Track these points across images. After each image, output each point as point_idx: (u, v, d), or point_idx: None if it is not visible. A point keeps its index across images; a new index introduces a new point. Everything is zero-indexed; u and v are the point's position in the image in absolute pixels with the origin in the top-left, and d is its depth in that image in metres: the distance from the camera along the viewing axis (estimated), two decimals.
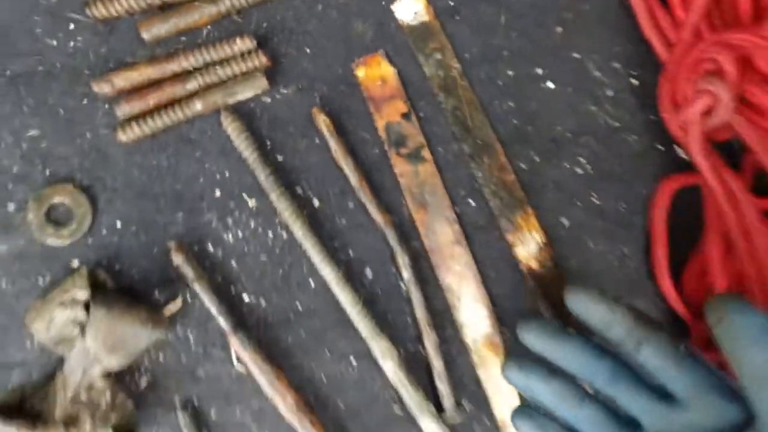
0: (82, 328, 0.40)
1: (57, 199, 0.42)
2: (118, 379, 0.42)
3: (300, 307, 0.44)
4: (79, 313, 0.40)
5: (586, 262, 0.48)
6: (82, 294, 0.40)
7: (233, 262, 0.44)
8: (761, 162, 0.44)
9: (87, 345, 0.38)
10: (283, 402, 0.43)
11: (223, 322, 0.42)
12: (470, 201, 0.48)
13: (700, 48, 0.44)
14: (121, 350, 0.40)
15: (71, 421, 0.39)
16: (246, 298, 0.44)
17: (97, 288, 0.40)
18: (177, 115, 0.43)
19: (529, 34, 0.49)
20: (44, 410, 0.39)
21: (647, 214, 0.49)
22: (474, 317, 0.47)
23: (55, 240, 0.42)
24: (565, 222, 0.49)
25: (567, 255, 0.48)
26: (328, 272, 0.44)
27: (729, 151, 0.47)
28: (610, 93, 0.49)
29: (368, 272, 0.45)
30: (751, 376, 0.33)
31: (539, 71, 0.49)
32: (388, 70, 0.47)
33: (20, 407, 0.39)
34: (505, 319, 0.47)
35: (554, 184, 0.48)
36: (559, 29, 0.49)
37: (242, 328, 0.43)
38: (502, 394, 0.46)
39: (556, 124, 0.49)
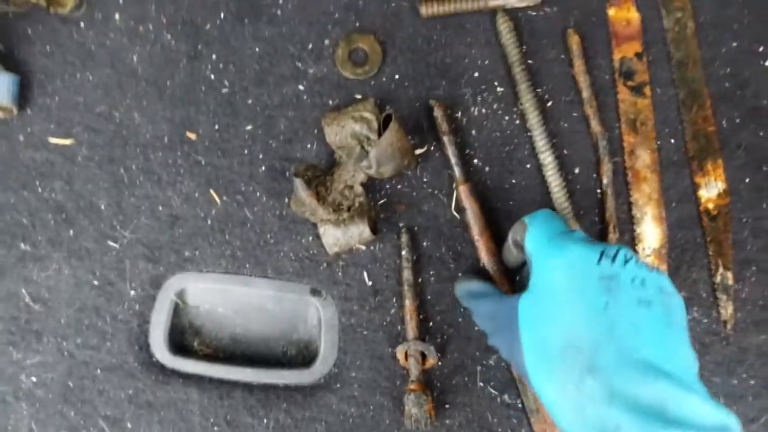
0: (361, 143, 0.52)
1: (360, 44, 0.54)
2: (367, 196, 0.53)
3: (514, 181, 0.54)
4: (364, 129, 0.51)
5: (755, 218, 0.55)
6: (370, 115, 0.51)
7: (473, 131, 0.55)
8: None
9: (368, 152, 0.50)
10: (484, 247, 0.52)
11: (458, 171, 0.53)
12: (672, 140, 0.56)
13: None
14: (386, 166, 0.51)
15: (336, 207, 0.51)
16: (475, 161, 0.54)
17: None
18: (467, 5, 0.54)
19: (761, 16, 0.56)
20: (321, 193, 0.51)
21: None
22: (650, 232, 0.54)
23: (350, 74, 0.54)
24: (747, 180, 0.56)
25: (741, 208, 0.55)
26: (546, 157, 0.53)
27: None
28: None
29: (576, 170, 0.55)
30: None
31: (761, 49, 0.56)
32: (634, 15, 0.56)
33: (306, 180, 0.50)
34: (673, 241, 0.54)
35: (747, 146, 0.56)
36: None
37: (470, 180, 0.53)
38: None
39: (762, 97, 0.56)
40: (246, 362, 0.55)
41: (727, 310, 0.55)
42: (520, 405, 0.53)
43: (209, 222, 0.54)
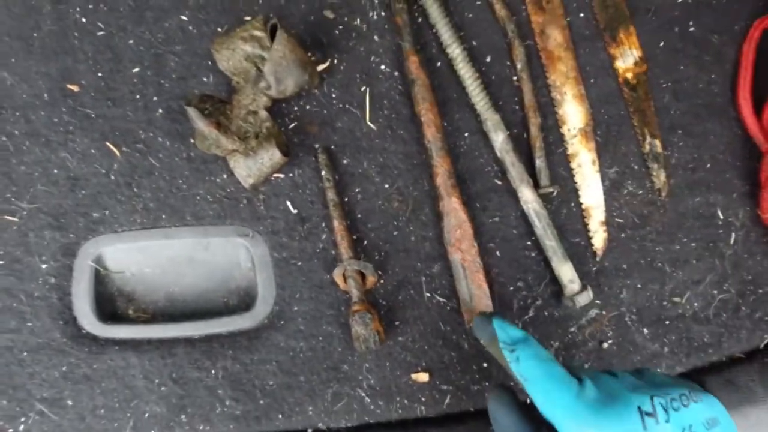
0: (256, 64, 0.49)
1: None
2: (275, 119, 0.50)
3: (428, 82, 0.52)
4: (257, 49, 0.48)
5: (676, 81, 0.55)
6: (261, 33, 0.48)
7: (375, 37, 0.52)
8: None
9: (263, 71, 0.47)
10: (431, 122, 0.49)
11: (409, 41, 0.50)
12: (581, 14, 0.54)
13: None
14: (285, 83, 0.48)
15: (242, 136, 0.48)
16: (382, 66, 0.52)
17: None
18: None
19: None
20: (222, 123, 0.48)
21: (738, 48, 0.55)
22: (573, 112, 0.53)
23: None
24: (662, 44, 0.55)
25: (660, 73, 0.55)
26: (455, 49, 0.51)
27: None
28: None
29: (488, 59, 0.53)
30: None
31: None
32: None
33: (203, 113, 0.47)
34: (598, 118, 0.53)
35: (656, 8, 0.54)
36: None
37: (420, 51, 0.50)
38: (589, 184, 0.53)
39: None
40: (185, 319, 0.54)
41: (659, 177, 0.55)
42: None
43: (113, 177, 0.50)
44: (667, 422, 0.33)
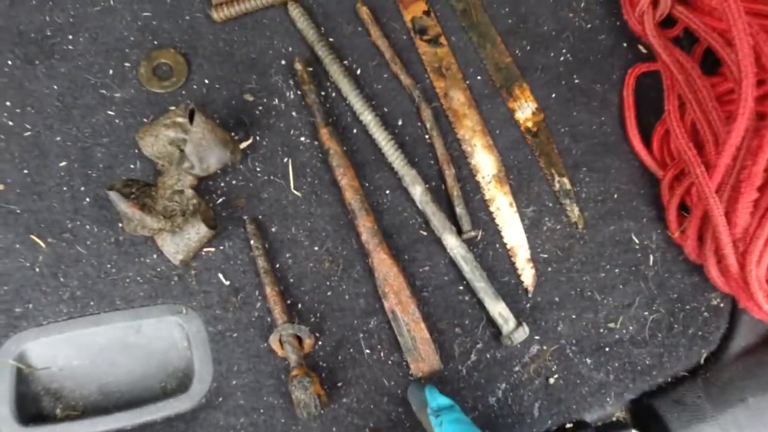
0: (179, 147, 0.51)
1: (162, 60, 0.55)
2: (201, 196, 0.52)
3: (345, 148, 0.55)
4: (180, 133, 0.51)
5: (572, 125, 0.60)
6: (182, 119, 0.51)
7: (294, 113, 0.56)
8: (697, 34, 0.56)
9: (185, 153, 0.49)
10: (347, 186, 0.52)
11: (319, 115, 0.54)
12: (478, 77, 0.60)
13: None
14: (207, 161, 0.50)
15: (167, 214, 0.49)
16: (302, 138, 0.55)
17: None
18: (255, 3, 0.57)
19: None
20: (147, 204, 0.49)
21: (619, 93, 0.61)
22: (484, 161, 0.57)
23: (158, 89, 0.54)
24: (554, 95, 0.61)
25: (557, 120, 0.60)
26: (367, 116, 0.55)
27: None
28: (582, 4, 0.64)
29: (399, 123, 0.57)
30: None
31: None
32: None
33: (129, 197, 0.48)
34: (508, 164, 0.58)
35: (543, 67, 0.61)
36: None
37: (331, 125, 0.54)
38: (510, 224, 0.56)
39: (542, 24, 0.63)
40: (117, 411, 0.51)
41: (573, 211, 0.59)
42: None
43: (37, 269, 0.50)
44: None
